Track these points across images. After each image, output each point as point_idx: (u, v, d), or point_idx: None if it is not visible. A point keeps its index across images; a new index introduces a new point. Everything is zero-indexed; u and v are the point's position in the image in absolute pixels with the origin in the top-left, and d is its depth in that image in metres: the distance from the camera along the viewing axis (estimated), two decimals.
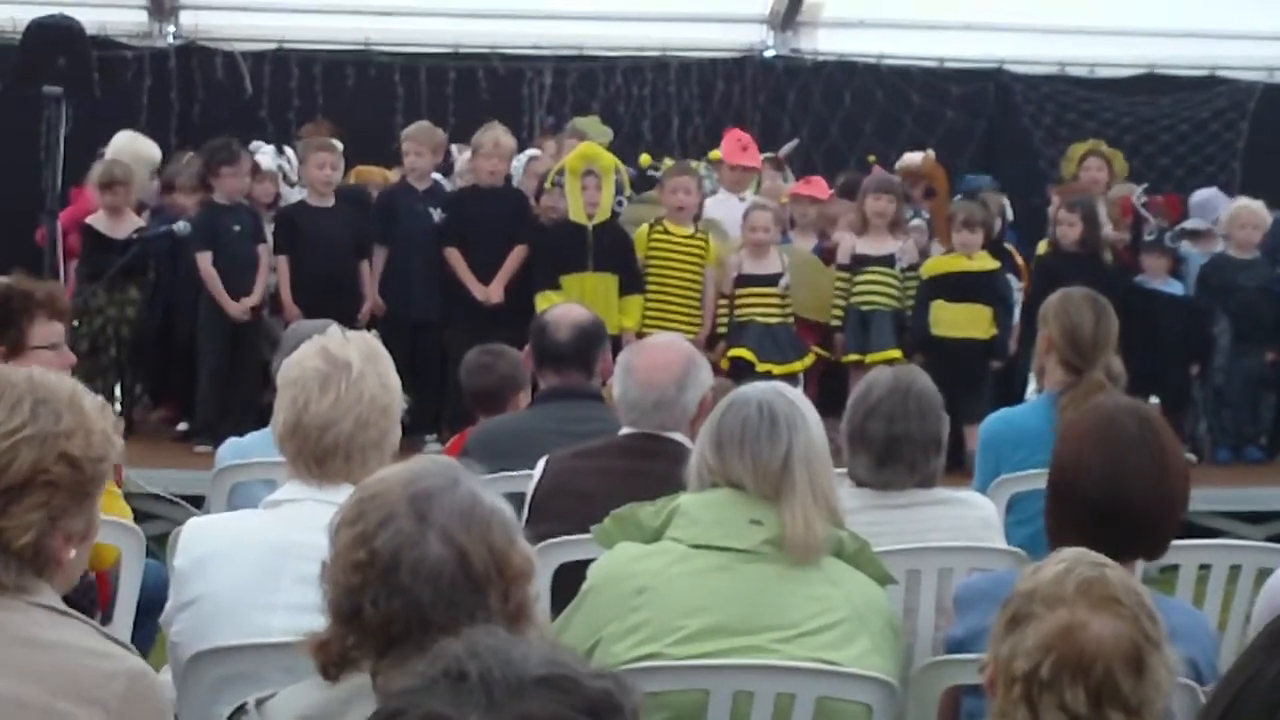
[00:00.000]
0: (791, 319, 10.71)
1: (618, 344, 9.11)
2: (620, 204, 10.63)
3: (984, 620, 2.99)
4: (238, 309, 10.38)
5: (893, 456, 4.76)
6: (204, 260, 10.37)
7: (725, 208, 11.27)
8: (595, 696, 1.92)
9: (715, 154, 11.92)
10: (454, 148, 11.83)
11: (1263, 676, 2.40)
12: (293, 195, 11.25)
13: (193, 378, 10.71)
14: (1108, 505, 3.80)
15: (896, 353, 10.39)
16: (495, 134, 10.89)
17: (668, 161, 11.74)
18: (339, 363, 3.88)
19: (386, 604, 2.68)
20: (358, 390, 3.86)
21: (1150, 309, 10.88)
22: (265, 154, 11.34)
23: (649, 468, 4.61)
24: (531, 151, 11.81)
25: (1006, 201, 12.24)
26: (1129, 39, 14.34)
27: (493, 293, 10.55)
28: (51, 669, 2.87)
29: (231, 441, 5.97)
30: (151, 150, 11.63)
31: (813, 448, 3.91)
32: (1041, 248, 11.30)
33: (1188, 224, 11.93)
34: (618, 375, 4.99)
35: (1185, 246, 11.70)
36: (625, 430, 4.96)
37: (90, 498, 3.03)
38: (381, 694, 2.62)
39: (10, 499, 2.92)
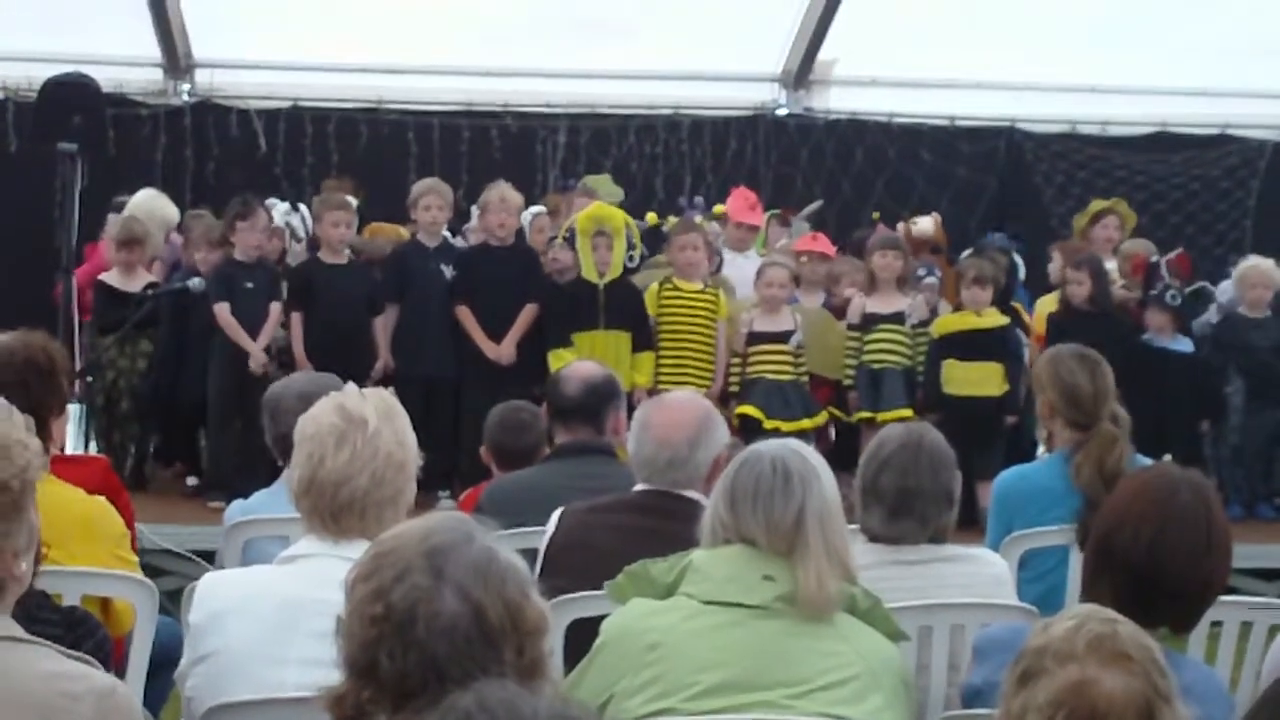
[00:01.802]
0: (805, 377, 10.69)
1: (631, 401, 9.13)
2: (632, 259, 10.66)
3: (1002, 670, 2.98)
4: (258, 350, 10.38)
5: (905, 510, 4.76)
6: (222, 310, 10.37)
7: (732, 266, 11.29)
8: None
9: (720, 209, 11.95)
10: (473, 209, 11.87)
11: None
12: (301, 252, 11.29)
13: (205, 433, 10.72)
14: (1146, 570, 3.77)
15: (908, 411, 10.37)
16: (500, 190, 10.92)
17: (672, 220, 11.77)
18: (355, 419, 3.90)
19: (402, 658, 2.68)
20: (373, 447, 3.88)
21: (1157, 366, 10.86)
22: (276, 210, 11.37)
23: (663, 526, 4.60)
24: (536, 209, 11.86)
25: (1019, 259, 12.26)
26: (1140, 97, 14.41)
27: (504, 352, 10.55)
28: (16, 699, 2.82)
29: (238, 503, 5.96)
30: (170, 212, 11.66)
31: (826, 505, 3.92)
32: (1050, 305, 11.30)
33: (1217, 302, 11.91)
34: (633, 431, 4.99)
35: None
36: (640, 487, 4.96)
37: (24, 510, 2.97)
38: None
39: None
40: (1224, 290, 11.94)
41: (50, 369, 5.23)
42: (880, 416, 10.30)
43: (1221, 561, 3.88)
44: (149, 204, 11.40)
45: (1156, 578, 3.78)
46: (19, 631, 2.93)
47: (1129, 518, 3.86)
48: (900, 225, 12.14)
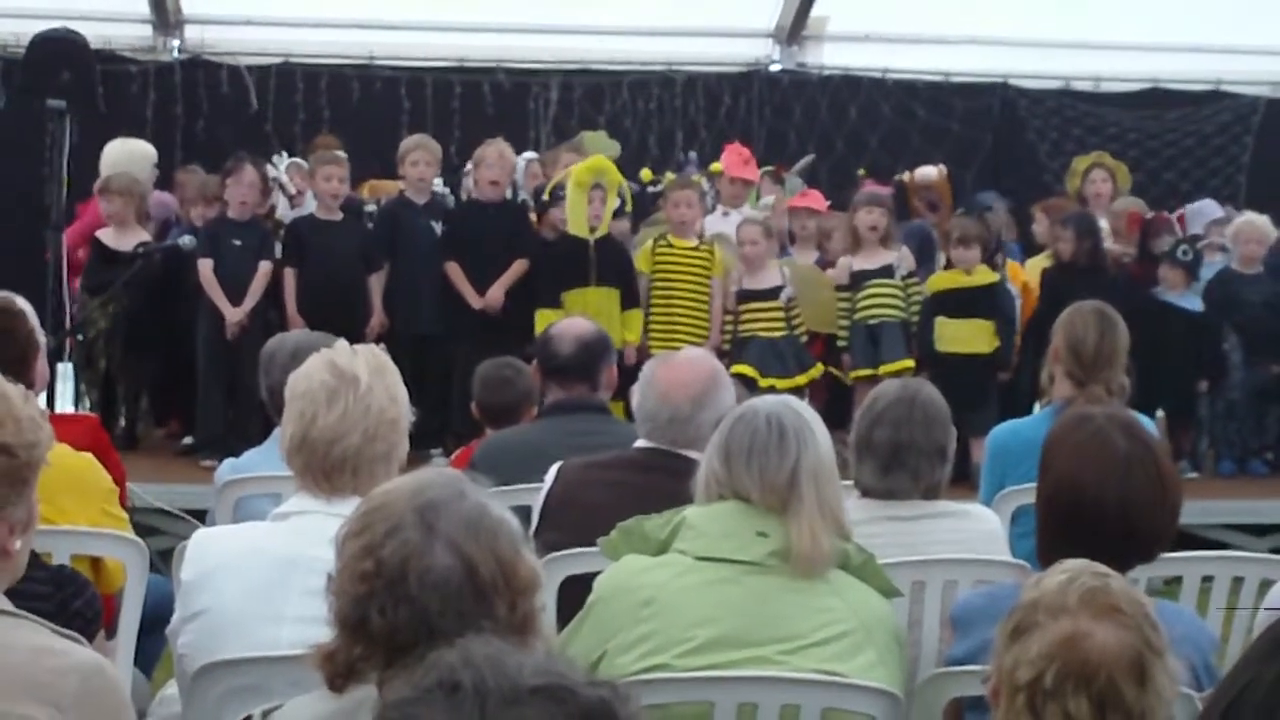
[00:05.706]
0: (801, 328, 10.66)
1: (622, 359, 9.13)
2: (614, 218, 10.62)
3: (983, 638, 2.99)
4: (234, 313, 10.34)
5: (897, 464, 4.75)
6: (205, 267, 10.36)
7: (724, 223, 11.26)
8: (591, 706, 1.90)
9: (716, 166, 11.93)
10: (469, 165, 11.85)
11: (1260, 681, 2.40)
12: (287, 207, 11.26)
13: (196, 392, 10.71)
14: (1118, 531, 3.80)
15: (910, 363, 10.40)
16: (499, 147, 10.90)
17: (669, 176, 11.75)
18: (347, 376, 3.89)
19: (393, 614, 2.67)
20: (365, 404, 3.87)
21: (1160, 321, 10.81)
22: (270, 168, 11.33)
23: (661, 484, 4.55)
24: (529, 154, 11.85)
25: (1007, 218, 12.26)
26: (1134, 53, 14.37)
27: (490, 300, 10.52)
28: (1, 672, 2.79)
29: (230, 461, 5.95)
30: (146, 148, 11.61)
31: (821, 461, 3.91)
32: (1043, 263, 11.28)
33: (1201, 233, 11.90)
34: (640, 385, 4.99)
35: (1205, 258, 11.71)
36: (641, 443, 4.96)
37: (28, 484, 3.00)
38: None
39: None
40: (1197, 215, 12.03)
41: (24, 315, 5.23)
42: (882, 369, 10.27)
43: (1177, 493, 3.95)
44: (122, 151, 11.33)
45: (1128, 534, 3.83)
46: (7, 605, 2.92)
47: (1086, 484, 3.87)
48: (906, 175, 12.13)
